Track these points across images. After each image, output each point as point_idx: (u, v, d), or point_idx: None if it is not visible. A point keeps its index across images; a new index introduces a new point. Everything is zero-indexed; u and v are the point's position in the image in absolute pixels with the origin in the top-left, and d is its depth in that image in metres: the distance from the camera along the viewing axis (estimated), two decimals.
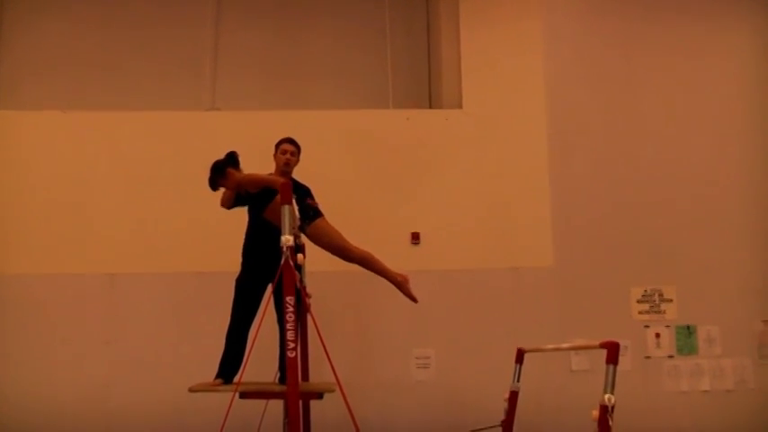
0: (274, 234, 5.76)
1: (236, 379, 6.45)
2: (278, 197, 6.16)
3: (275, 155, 7.30)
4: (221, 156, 6.91)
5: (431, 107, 10.36)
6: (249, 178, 6.76)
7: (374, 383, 8.95)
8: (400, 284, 6.97)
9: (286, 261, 5.46)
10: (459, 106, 9.79)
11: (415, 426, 8.84)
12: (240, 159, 6.86)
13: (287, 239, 5.49)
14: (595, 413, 5.25)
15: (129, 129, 9.53)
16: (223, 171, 6.78)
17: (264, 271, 6.68)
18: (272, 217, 6.36)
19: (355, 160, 9.50)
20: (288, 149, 7.26)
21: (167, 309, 9.12)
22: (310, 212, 6.86)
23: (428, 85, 10.64)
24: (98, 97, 10.10)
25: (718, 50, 10.23)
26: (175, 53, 10.44)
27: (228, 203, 7.22)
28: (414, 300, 6.97)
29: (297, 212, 6.37)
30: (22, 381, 8.88)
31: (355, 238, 8.95)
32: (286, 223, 5.57)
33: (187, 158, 9.34)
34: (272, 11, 10.61)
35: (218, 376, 6.73)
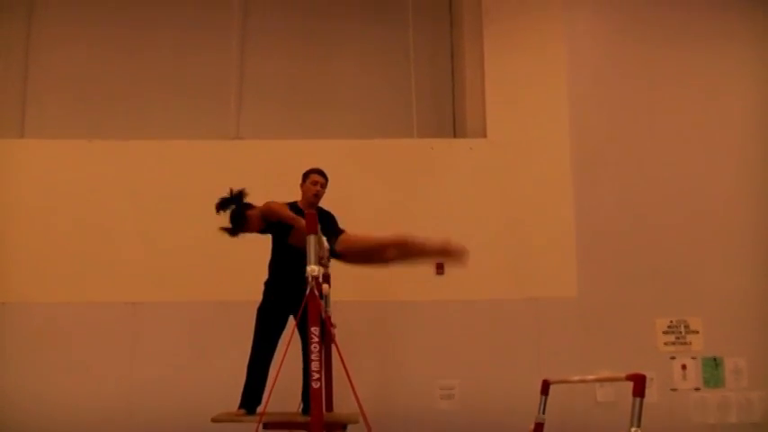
0: (298, 262, 5.73)
1: (259, 409, 6.43)
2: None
3: (303, 184, 7.29)
4: (242, 186, 6.91)
5: (455, 136, 10.35)
6: (272, 212, 6.74)
7: (398, 414, 8.89)
8: (448, 252, 6.95)
9: (311, 291, 5.43)
10: (484, 135, 9.78)
11: None
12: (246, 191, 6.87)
13: (312, 269, 5.46)
14: None
15: (154, 157, 9.57)
16: (243, 219, 6.77)
17: (287, 300, 6.66)
18: (297, 242, 6.33)
19: (380, 190, 9.49)
20: (318, 181, 7.25)
21: (189, 337, 9.11)
22: (334, 229, 6.85)
23: (452, 114, 10.64)
24: (123, 126, 10.16)
25: (740, 77, 10.19)
26: (200, 82, 10.49)
27: (259, 228, 7.16)
28: (463, 256, 7.03)
29: (323, 238, 6.35)
30: (43, 408, 8.86)
31: (380, 268, 8.98)
32: (311, 253, 5.54)
33: (211, 187, 9.28)
34: (297, 40, 10.65)
35: (241, 406, 6.72)
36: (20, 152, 9.60)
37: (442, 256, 6.98)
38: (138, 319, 9.14)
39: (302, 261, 5.60)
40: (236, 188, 7.08)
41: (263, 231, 7.12)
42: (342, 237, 6.91)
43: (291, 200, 7.26)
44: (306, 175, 7.33)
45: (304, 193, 7.28)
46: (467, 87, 10.10)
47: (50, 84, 10.44)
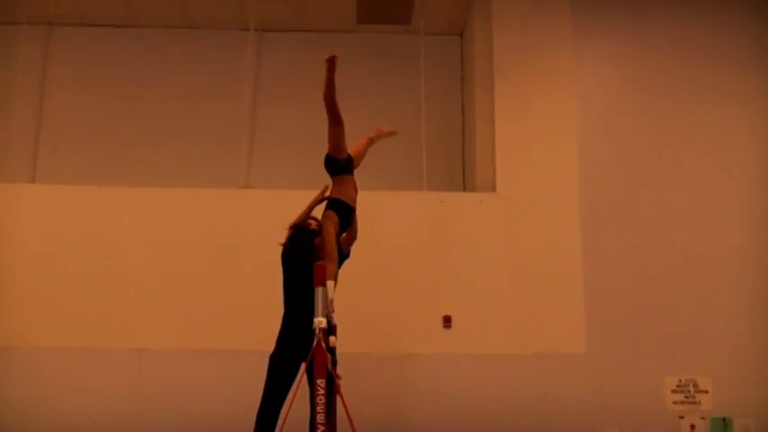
0: (312, 308, 5.70)
1: None
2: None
3: None
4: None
5: (464, 190, 10.37)
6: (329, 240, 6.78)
7: None
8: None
9: (318, 343, 5.42)
10: (493, 190, 9.79)
11: None
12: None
13: (320, 321, 5.45)
14: None
15: (163, 205, 9.60)
16: (312, 249, 6.77)
17: (300, 347, 6.60)
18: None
19: (388, 241, 9.48)
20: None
21: (195, 385, 9.05)
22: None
23: (462, 168, 10.69)
24: (134, 173, 10.25)
25: (750, 132, 10.23)
26: (212, 130, 10.61)
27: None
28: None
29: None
30: None
31: (388, 319, 8.98)
32: (319, 304, 5.53)
33: (220, 236, 9.39)
34: (309, 89, 10.65)
35: None
36: (30, 197, 9.65)
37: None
38: (142, 366, 9.11)
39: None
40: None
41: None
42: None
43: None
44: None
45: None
46: (477, 142, 10.13)
47: (63, 129, 10.56)
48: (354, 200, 7.17)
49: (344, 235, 7.24)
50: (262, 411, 6.73)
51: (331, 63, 7.03)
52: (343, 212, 6.99)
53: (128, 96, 10.74)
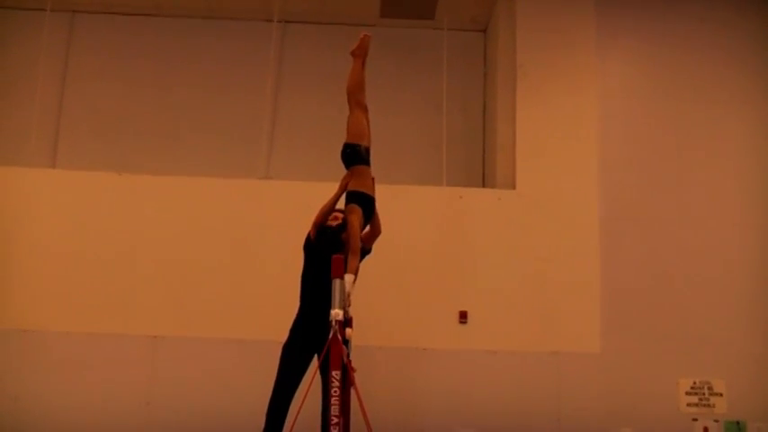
0: (328, 299, 5.72)
1: None
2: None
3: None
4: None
5: (484, 186, 10.36)
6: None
7: None
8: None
9: (334, 335, 5.43)
10: (513, 187, 9.79)
11: None
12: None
13: (336, 313, 5.46)
14: None
15: (183, 193, 9.62)
16: (340, 244, 6.78)
17: (313, 339, 6.63)
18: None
19: (406, 236, 9.48)
20: (336, 217, 7.20)
21: (208, 374, 9.09)
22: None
23: (482, 165, 10.68)
24: (154, 161, 10.25)
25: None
26: (233, 120, 10.61)
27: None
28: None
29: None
30: None
31: (403, 314, 8.98)
32: (336, 297, 5.55)
33: (238, 226, 9.42)
34: (331, 83, 10.68)
35: None
36: (50, 182, 9.69)
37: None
38: (158, 353, 9.16)
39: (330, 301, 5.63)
40: None
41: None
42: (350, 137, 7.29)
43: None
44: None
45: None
46: (497, 138, 10.12)
47: (84, 116, 10.59)
48: (374, 191, 7.12)
49: (367, 230, 7.21)
50: (273, 400, 6.78)
51: (363, 43, 7.00)
52: (366, 204, 6.98)
53: (149, 85, 10.77)
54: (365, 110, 7.22)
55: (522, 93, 10.05)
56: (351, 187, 7.01)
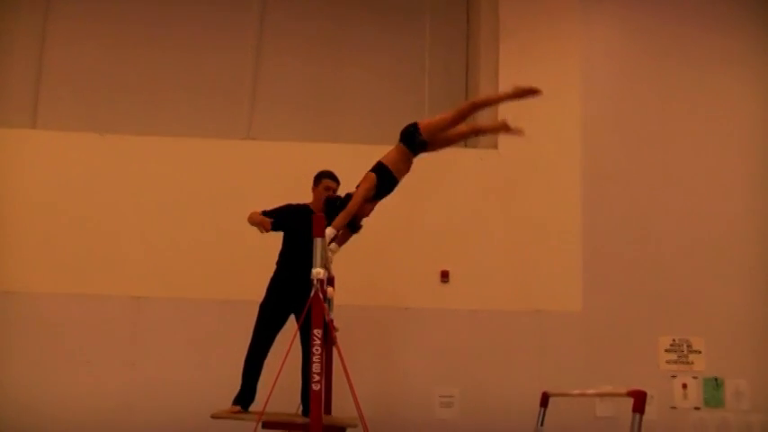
0: (307, 262, 5.73)
1: (254, 406, 6.49)
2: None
3: (316, 188, 7.30)
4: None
5: (466, 146, 10.34)
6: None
7: (397, 420, 8.91)
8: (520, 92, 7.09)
9: (316, 294, 5.45)
10: (495, 147, 9.80)
11: None
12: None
13: (318, 272, 5.48)
14: None
15: (164, 154, 9.60)
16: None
17: (290, 299, 6.69)
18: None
19: (388, 196, 9.50)
20: (330, 186, 7.25)
21: (191, 334, 9.15)
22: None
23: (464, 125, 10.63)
24: (135, 121, 10.16)
25: (754, 99, 10.19)
26: (215, 81, 10.50)
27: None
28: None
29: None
30: (42, 397, 8.91)
31: (386, 273, 9.00)
32: (318, 256, 5.57)
33: (220, 186, 9.41)
34: (313, 43, 10.65)
35: (235, 402, 6.77)
36: (31, 142, 9.66)
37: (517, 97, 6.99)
38: (140, 314, 9.19)
39: (310, 261, 5.64)
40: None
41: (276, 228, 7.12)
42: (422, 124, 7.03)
43: (303, 201, 7.28)
44: (318, 179, 7.35)
45: (316, 196, 7.30)
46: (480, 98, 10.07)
47: (64, 76, 10.45)
48: (401, 176, 7.07)
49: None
50: (248, 357, 6.87)
51: None
52: (385, 182, 6.91)
53: (131, 44, 10.62)
54: (456, 121, 7.10)
55: (504, 52, 10.01)
56: (385, 161, 6.92)
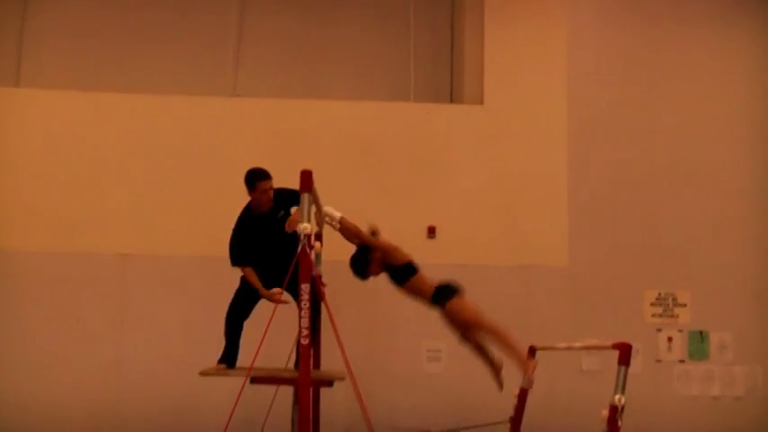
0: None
1: (245, 364, 6.51)
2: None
3: (252, 193, 6.98)
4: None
5: (452, 102, 10.33)
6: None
7: (384, 374, 8.99)
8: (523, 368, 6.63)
9: (303, 248, 5.44)
10: (480, 102, 9.78)
11: (424, 418, 8.84)
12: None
13: (304, 227, 5.46)
14: (605, 413, 5.27)
15: (149, 112, 9.57)
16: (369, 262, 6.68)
17: (274, 277, 6.65)
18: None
19: (375, 152, 9.51)
20: (267, 187, 6.93)
21: (179, 291, 9.23)
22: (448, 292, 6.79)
23: (450, 80, 10.61)
24: (120, 79, 10.11)
25: (737, 55, 10.20)
26: (199, 37, 10.43)
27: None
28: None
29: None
30: (34, 357, 8.99)
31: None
32: (305, 211, 5.55)
33: (205, 143, 9.39)
34: None
35: (220, 361, 6.80)
36: (15, 101, 9.60)
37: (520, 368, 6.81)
38: (128, 271, 9.21)
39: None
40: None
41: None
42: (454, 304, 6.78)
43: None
44: (252, 184, 6.97)
45: (255, 200, 7.01)
46: (465, 53, 10.07)
47: (48, 34, 10.36)
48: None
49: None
50: (228, 319, 6.93)
51: None
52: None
53: (114, 1, 10.53)
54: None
55: (490, 7, 9.95)
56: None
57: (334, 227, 6.55)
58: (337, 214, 6.49)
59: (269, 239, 6.86)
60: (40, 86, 9.85)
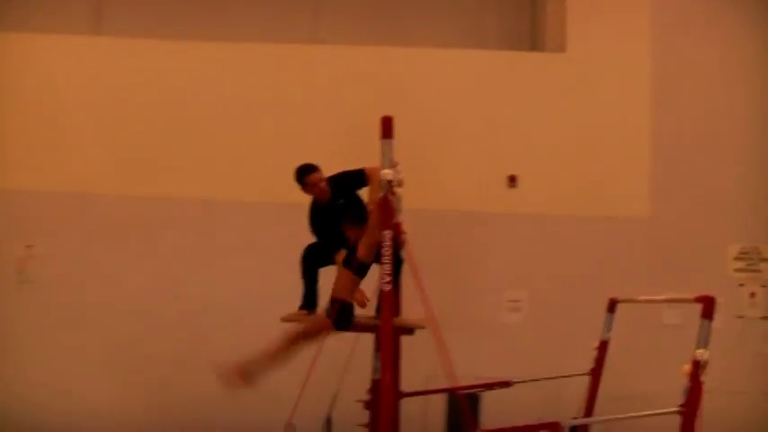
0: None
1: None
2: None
3: (305, 189, 6.97)
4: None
5: (534, 50, 10.19)
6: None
7: (464, 323, 8.94)
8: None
9: (385, 195, 5.43)
10: (563, 50, 9.64)
11: (503, 368, 8.71)
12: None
13: (386, 173, 5.44)
14: (687, 368, 5.18)
15: (231, 59, 9.65)
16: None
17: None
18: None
19: (455, 100, 9.45)
20: (314, 180, 6.91)
21: (263, 237, 9.32)
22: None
23: (531, 28, 10.46)
24: (200, 28, 10.14)
25: None
26: None
27: None
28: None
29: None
30: (119, 296, 9.23)
31: (453, 178, 8.99)
32: (386, 158, 5.53)
33: (287, 91, 9.40)
34: None
35: (301, 308, 6.85)
36: (96, 49, 9.80)
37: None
38: (210, 216, 9.35)
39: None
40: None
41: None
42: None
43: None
44: (300, 180, 6.99)
45: (312, 193, 6.99)
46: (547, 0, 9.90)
47: None
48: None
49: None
50: (303, 267, 6.97)
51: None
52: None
53: None
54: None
55: None
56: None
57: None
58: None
59: (336, 228, 6.82)
60: (120, 34, 9.96)
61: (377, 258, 5.81)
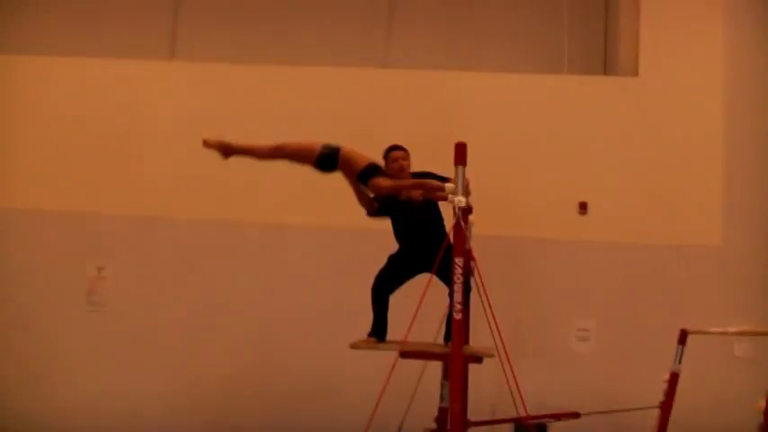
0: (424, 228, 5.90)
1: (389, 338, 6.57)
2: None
3: (386, 165, 7.01)
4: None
5: (606, 73, 10.11)
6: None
7: (532, 352, 8.89)
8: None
9: (457, 222, 5.41)
10: (635, 74, 9.53)
11: (572, 397, 8.67)
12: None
13: (459, 200, 5.43)
14: (762, 403, 5.06)
15: (302, 83, 9.71)
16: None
17: (422, 259, 6.62)
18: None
19: (526, 125, 9.40)
20: (397, 157, 6.97)
21: (329, 262, 9.33)
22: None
23: (604, 51, 10.38)
24: (270, 51, 10.25)
25: None
26: (350, 8, 10.47)
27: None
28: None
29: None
30: (184, 325, 9.36)
31: (522, 205, 8.93)
32: (459, 184, 5.52)
33: (356, 115, 9.42)
34: None
35: (370, 335, 6.84)
36: (169, 74, 9.97)
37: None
38: (279, 242, 9.45)
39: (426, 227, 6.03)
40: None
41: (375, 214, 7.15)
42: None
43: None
44: (386, 153, 7.08)
45: (391, 171, 6.98)
46: (621, 23, 9.82)
47: (201, 7, 10.58)
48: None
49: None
50: (374, 294, 6.93)
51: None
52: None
53: None
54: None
55: None
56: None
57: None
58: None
59: (410, 222, 6.86)
60: (193, 59, 10.12)
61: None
